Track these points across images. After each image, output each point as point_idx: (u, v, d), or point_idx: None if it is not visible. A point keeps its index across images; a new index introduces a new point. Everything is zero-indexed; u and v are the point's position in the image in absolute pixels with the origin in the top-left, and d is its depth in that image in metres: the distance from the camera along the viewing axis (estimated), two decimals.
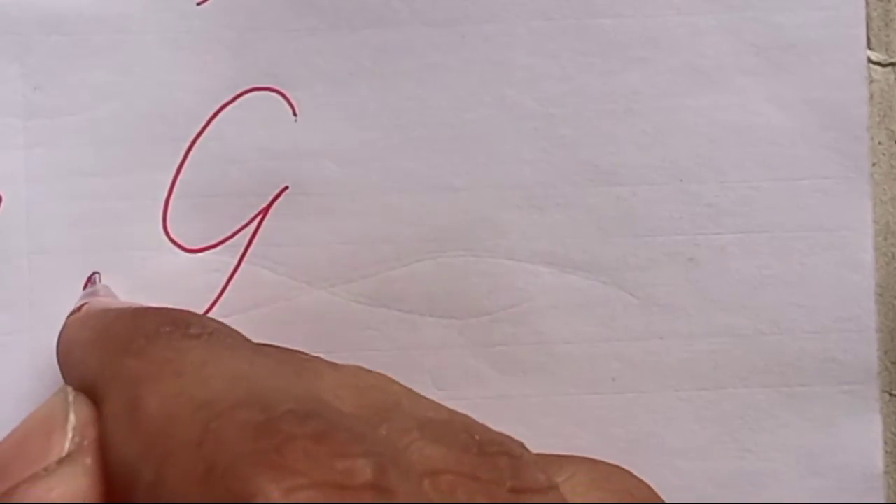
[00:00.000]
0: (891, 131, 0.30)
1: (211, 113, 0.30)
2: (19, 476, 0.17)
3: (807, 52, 0.29)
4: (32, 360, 0.29)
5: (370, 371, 0.21)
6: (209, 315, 0.30)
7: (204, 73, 0.30)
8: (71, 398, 0.19)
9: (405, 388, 0.21)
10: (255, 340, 0.30)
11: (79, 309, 0.27)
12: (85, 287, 0.29)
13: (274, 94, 0.30)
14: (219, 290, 0.30)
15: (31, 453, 0.18)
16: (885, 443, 0.30)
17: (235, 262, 0.30)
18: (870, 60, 0.30)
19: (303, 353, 0.22)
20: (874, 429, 0.29)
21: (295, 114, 0.30)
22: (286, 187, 0.29)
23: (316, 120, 0.30)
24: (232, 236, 0.30)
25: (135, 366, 0.18)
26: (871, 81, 0.30)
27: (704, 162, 0.30)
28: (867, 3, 0.29)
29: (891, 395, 0.30)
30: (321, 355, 0.22)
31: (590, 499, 0.19)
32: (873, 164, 0.30)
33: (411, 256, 0.29)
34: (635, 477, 0.21)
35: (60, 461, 0.18)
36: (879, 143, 0.30)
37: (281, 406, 0.16)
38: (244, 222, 0.30)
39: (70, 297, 0.29)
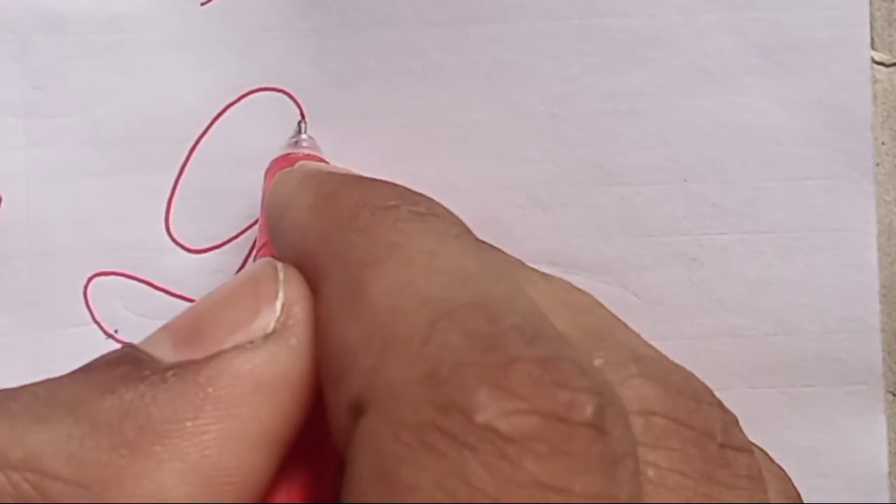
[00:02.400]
0: (894, 131, 0.30)
1: (215, 113, 0.29)
2: (221, 342, 0.17)
3: (811, 52, 0.29)
4: (32, 362, 0.29)
5: (579, 289, 0.20)
6: None
7: (208, 74, 0.29)
8: (281, 274, 0.18)
9: (609, 310, 0.20)
10: None
11: (287, 161, 0.26)
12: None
13: (279, 95, 0.29)
14: None
15: (235, 323, 0.18)
16: (890, 443, 0.30)
17: (240, 262, 0.29)
18: (873, 61, 0.30)
19: (506, 254, 0.21)
20: (878, 429, 0.29)
21: (302, 114, 0.30)
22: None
23: (321, 120, 0.29)
24: (237, 237, 0.30)
25: (361, 245, 0.17)
26: (875, 81, 0.30)
27: (708, 162, 0.30)
28: (871, 4, 0.29)
29: (894, 395, 0.30)
30: None
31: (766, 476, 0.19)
32: (877, 165, 0.30)
33: None
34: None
35: (266, 337, 0.17)
36: (883, 144, 0.30)
37: (507, 318, 0.16)
38: (249, 223, 0.29)
39: (71, 298, 0.29)
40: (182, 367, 0.17)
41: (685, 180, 0.30)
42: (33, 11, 0.29)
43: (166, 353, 0.17)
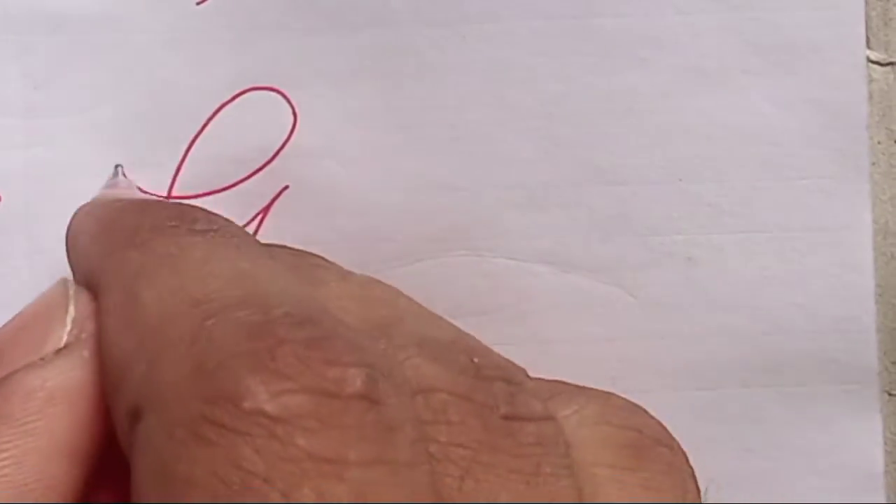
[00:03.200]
0: (890, 131, 0.30)
1: (210, 112, 0.29)
2: (16, 364, 0.18)
3: (806, 51, 0.29)
4: None
5: (380, 283, 0.21)
6: None
7: (203, 73, 0.29)
8: (71, 291, 0.19)
9: (414, 303, 0.20)
10: None
11: None
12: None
13: (274, 94, 0.30)
14: None
15: (29, 343, 0.18)
16: (885, 442, 0.30)
17: None
18: (869, 60, 0.30)
19: (316, 256, 0.22)
20: (874, 428, 0.29)
21: (295, 113, 0.30)
22: (286, 187, 0.29)
23: (316, 119, 0.30)
24: None
25: (136, 259, 0.18)
26: (871, 81, 0.30)
27: (704, 162, 0.30)
28: (866, 3, 0.29)
29: (890, 394, 0.30)
30: None
31: (595, 432, 0.19)
32: (872, 164, 0.30)
33: (412, 256, 0.29)
34: (650, 415, 0.20)
35: (58, 352, 0.18)
36: (879, 143, 0.30)
37: (279, 308, 0.16)
38: (244, 222, 0.29)
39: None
40: None
41: (681, 180, 0.30)
42: (32, 12, 0.29)
43: None
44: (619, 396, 0.20)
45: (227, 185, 0.30)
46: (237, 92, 0.30)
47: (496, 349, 0.29)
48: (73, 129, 0.29)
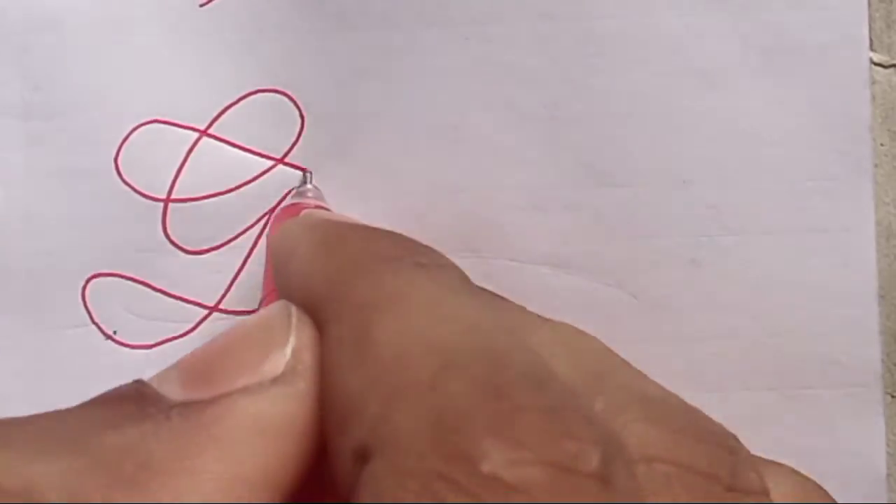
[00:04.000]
0: (893, 132, 0.30)
1: (214, 114, 0.29)
2: (230, 384, 0.17)
3: (809, 53, 0.29)
4: (32, 363, 0.29)
5: (583, 332, 0.20)
6: (211, 316, 0.30)
7: (207, 75, 0.29)
8: (294, 319, 0.18)
9: (615, 353, 0.20)
10: None
11: (293, 210, 0.27)
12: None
13: (278, 96, 0.29)
14: (222, 291, 0.29)
15: (245, 365, 0.18)
16: (888, 445, 0.30)
17: (239, 263, 0.29)
18: (872, 62, 0.30)
19: (510, 301, 0.22)
20: (877, 431, 0.29)
21: (302, 115, 0.30)
22: (291, 189, 0.29)
23: (320, 121, 0.29)
24: (234, 238, 0.29)
25: (367, 291, 0.18)
26: (874, 83, 0.30)
27: (707, 164, 0.30)
28: (869, 5, 0.29)
29: (893, 397, 0.30)
30: None
31: None
32: (875, 166, 0.30)
33: None
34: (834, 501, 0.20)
35: (275, 380, 0.17)
36: (881, 145, 0.30)
37: (513, 367, 0.16)
38: (249, 224, 0.29)
39: (69, 299, 0.29)
40: (187, 407, 0.17)
41: (684, 182, 0.30)
42: (32, 13, 0.29)
43: (174, 391, 0.18)
44: (804, 475, 0.20)
45: (232, 186, 0.30)
46: (242, 94, 0.29)
47: None
48: (73, 130, 0.29)
